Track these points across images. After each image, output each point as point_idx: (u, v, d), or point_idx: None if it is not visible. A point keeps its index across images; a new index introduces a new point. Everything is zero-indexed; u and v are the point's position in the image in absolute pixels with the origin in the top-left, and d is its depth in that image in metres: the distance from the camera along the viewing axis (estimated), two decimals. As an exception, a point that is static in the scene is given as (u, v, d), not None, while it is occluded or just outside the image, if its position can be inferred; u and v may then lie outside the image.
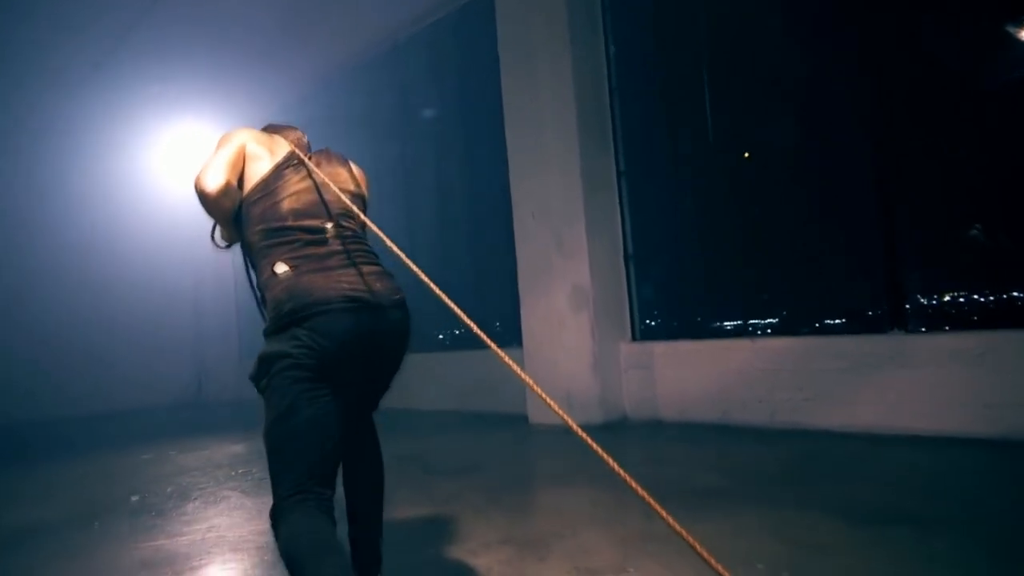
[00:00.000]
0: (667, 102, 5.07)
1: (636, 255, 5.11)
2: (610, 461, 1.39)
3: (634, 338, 5.03)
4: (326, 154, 2.00)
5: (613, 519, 2.65)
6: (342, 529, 1.75)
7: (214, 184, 1.75)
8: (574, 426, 1.46)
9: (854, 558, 2.07)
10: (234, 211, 1.85)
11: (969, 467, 3.02)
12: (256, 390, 1.70)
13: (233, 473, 4.22)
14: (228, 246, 1.97)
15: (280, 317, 1.66)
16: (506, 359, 1.59)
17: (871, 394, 3.75)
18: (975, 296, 3.72)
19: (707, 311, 4.86)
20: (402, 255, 1.73)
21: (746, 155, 4.65)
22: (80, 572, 2.48)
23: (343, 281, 1.71)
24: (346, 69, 8.05)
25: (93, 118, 8.65)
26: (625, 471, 1.28)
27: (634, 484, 1.35)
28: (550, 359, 5.03)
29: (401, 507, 3.01)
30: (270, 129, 2.01)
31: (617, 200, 5.13)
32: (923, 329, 3.74)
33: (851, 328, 3.98)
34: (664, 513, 1.31)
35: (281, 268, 1.71)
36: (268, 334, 1.69)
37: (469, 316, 1.66)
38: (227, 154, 1.81)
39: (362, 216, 1.88)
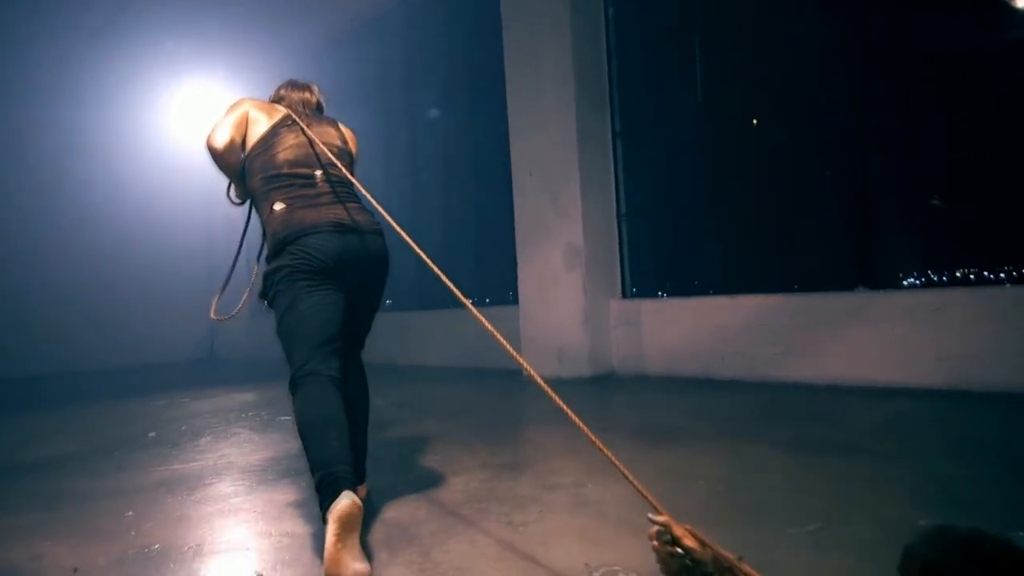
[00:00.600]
0: (663, 65, 5.24)
1: (628, 215, 5.33)
2: (557, 399, 1.64)
3: (624, 296, 5.28)
4: (317, 117, 2.35)
5: (582, 450, 2.91)
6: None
7: (221, 141, 2.14)
8: (529, 369, 1.72)
9: (784, 476, 2.34)
10: (240, 167, 2.21)
11: (915, 414, 3.26)
12: (267, 305, 2.07)
13: (243, 416, 4.53)
14: (242, 202, 2.33)
15: (278, 243, 2.03)
16: (471, 306, 1.91)
17: (838, 348, 3.99)
18: (934, 257, 3.93)
19: (693, 270, 5.09)
20: (380, 209, 2.06)
21: (754, 121, 4.81)
22: (105, 489, 2.79)
23: (330, 213, 2.08)
24: (356, 26, 8.20)
25: (106, 77, 8.86)
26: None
27: (577, 419, 1.61)
28: (544, 315, 5.29)
29: (393, 440, 3.32)
30: (289, 87, 2.40)
31: (611, 161, 5.34)
32: (887, 288, 3.96)
33: (823, 286, 4.20)
34: (600, 445, 1.57)
35: (278, 206, 2.08)
36: (269, 258, 2.07)
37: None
38: (232, 118, 2.19)
39: (344, 170, 2.19)
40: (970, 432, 2.85)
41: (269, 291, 2.07)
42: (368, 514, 2.22)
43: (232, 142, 2.17)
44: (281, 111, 2.27)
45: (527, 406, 4.47)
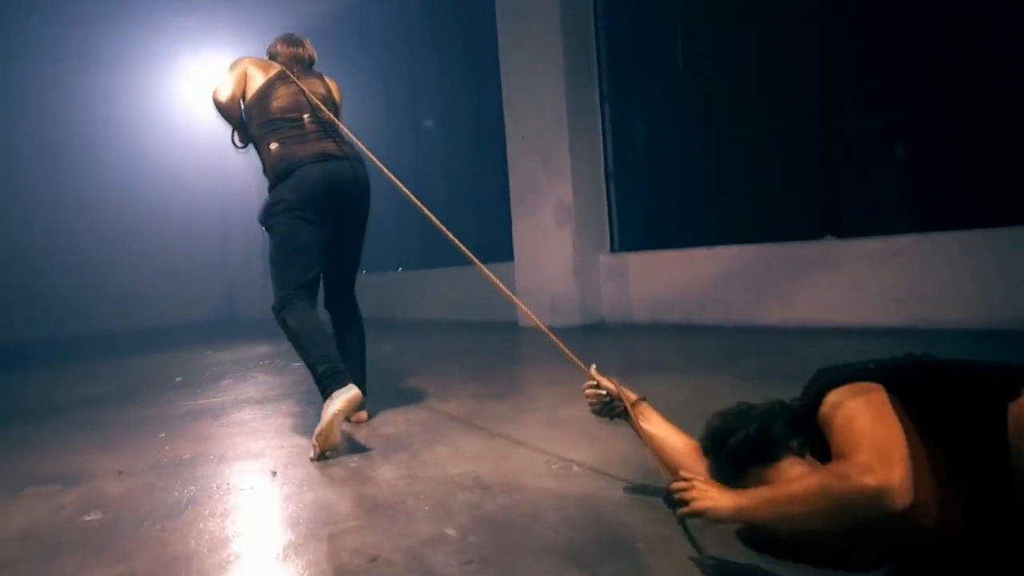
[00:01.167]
0: (648, 31, 5.43)
1: (616, 173, 5.59)
2: (527, 311, 1.97)
3: (612, 250, 5.57)
4: (306, 71, 2.76)
5: (562, 382, 3.24)
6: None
7: (225, 95, 2.58)
8: (510, 295, 2.05)
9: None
10: (240, 117, 2.65)
11: (870, 348, 3.56)
12: (264, 229, 2.52)
13: (260, 363, 4.92)
14: (244, 147, 2.75)
15: (277, 176, 2.47)
16: (468, 252, 2.20)
17: (807, 293, 4.28)
18: (892, 207, 4.19)
19: (676, 224, 5.35)
20: (372, 156, 2.38)
21: (730, 84, 4.99)
22: (141, 418, 3.17)
23: (317, 146, 2.50)
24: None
25: (119, 41, 9.06)
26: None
27: (553, 337, 1.94)
28: (536, 269, 5.61)
29: (394, 378, 3.68)
30: (283, 42, 2.78)
31: (600, 122, 5.57)
32: (851, 236, 4.23)
33: (793, 235, 4.46)
34: (572, 355, 1.89)
35: (274, 145, 2.50)
36: (270, 189, 2.50)
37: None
38: (234, 75, 2.61)
39: (327, 112, 2.61)
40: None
41: (269, 219, 2.50)
42: (367, 432, 2.59)
43: (233, 96, 2.59)
44: (276, 67, 2.66)
45: (519, 351, 4.81)
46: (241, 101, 2.63)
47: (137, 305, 10.24)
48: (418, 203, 2.42)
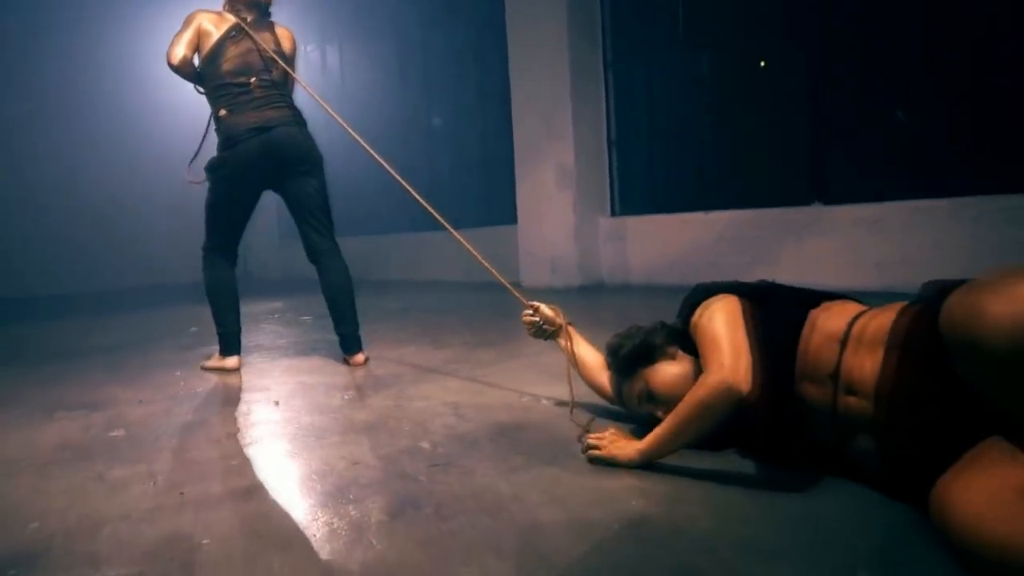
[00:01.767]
0: (651, 1, 5.51)
1: (618, 139, 5.73)
2: (478, 258, 2.16)
3: (612, 213, 5.73)
4: (258, 23, 2.89)
5: (550, 334, 3.47)
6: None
7: (177, 58, 2.74)
8: (474, 253, 2.24)
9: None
10: (195, 72, 2.83)
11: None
12: (207, 178, 2.82)
13: (271, 316, 5.17)
14: (205, 93, 2.92)
15: (221, 142, 2.77)
16: (437, 217, 2.39)
17: (795, 256, 4.44)
18: (877, 174, 4.30)
19: (674, 189, 5.50)
20: (330, 109, 2.60)
21: (762, 63, 5.07)
22: (158, 361, 3.42)
23: (258, 114, 2.72)
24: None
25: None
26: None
27: (494, 272, 2.13)
28: (538, 231, 5.79)
29: (394, 329, 3.90)
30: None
31: (603, 89, 5.70)
32: (838, 203, 4.37)
33: (784, 201, 4.60)
34: (514, 290, 2.10)
35: (223, 112, 2.75)
36: (218, 149, 2.78)
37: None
38: (187, 35, 2.77)
39: (287, 68, 2.87)
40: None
41: (209, 175, 2.80)
42: (363, 373, 2.82)
43: (185, 58, 2.75)
44: (229, 20, 2.82)
45: (515, 308, 4.99)
46: (197, 57, 2.79)
47: (153, 263, 10.45)
48: (386, 165, 2.57)
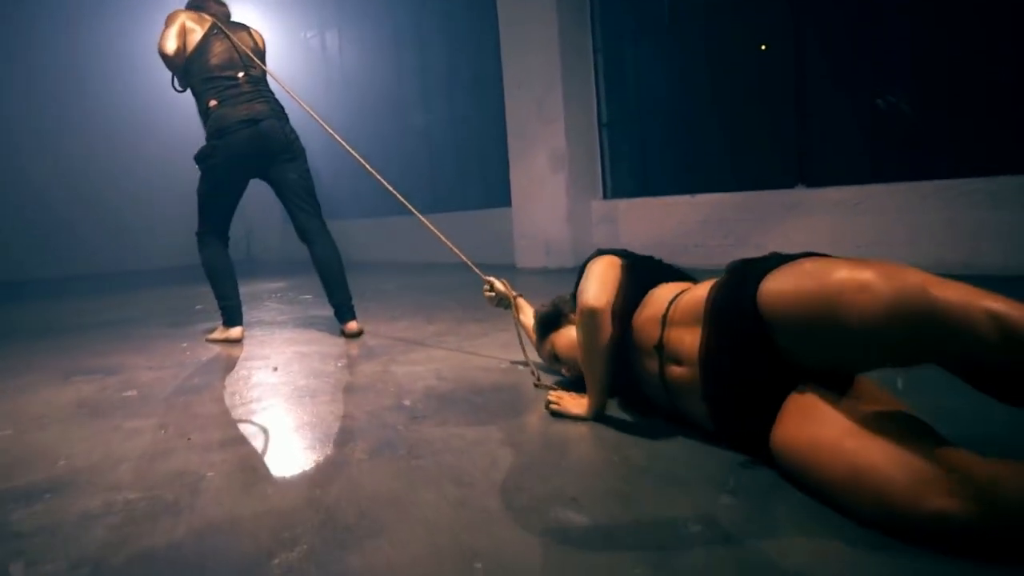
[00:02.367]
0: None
1: (609, 123, 5.87)
2: (444, 240, 2.34)
3: (604, 196, 5.89)
4: (233, 24, 3.14)
5: (536, 310, 3.66)
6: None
7: (171, 48, 2.96)
8: (447, 243, 2.41)
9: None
10: (182, 67, 3.03)
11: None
12: (198, 167, 2.99)
13: (274, 296, 5.37)
14: (183, 91, 3.14)
15: (211, 132, 2.93)
16: (406, 204, 2.57)
17: (778, 238, 4.60)
18: (858, 158, 4.46)
19: (664, 173, 5.65)
20: (303, 104, 2.78)
21: (763, 47, 5.20)
22: (165, 335, 3.62)
23: (247, 107, 2.92)
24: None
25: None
26: None
27: (456, 251, 2.32)
28: (532, 214, 5.96)
29: (390, 307, 4.09)
30: (212, 2, 3.15)
31: (593, 73, 5.83)
32: (820, 186, 4.52)
33: (768, 184, 4.76)
34: (474, 267, 2.29)
35: (212, 102, 2.93)
36: (207, 138, 2.95)
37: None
38: (175, 29, 2.98)
39: (261, 65, 3.08)
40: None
41: (200, 164, 2.98)
42: (358, 344, 3.02)
43: (178, 49, 2.97)
44: (208, 20, 3.05)
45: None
46: (183, 52, 3.00)
47: (158, 245, 10.57)
48: (354, 153, 2.81)
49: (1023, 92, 3.73)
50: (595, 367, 1.56)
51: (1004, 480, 0.89)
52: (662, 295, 1.53)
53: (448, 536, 1.10)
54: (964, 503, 0.90)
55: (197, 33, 2.98)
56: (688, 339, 1.37)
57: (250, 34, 3.17)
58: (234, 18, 3.24)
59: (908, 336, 0.98)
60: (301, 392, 2.14)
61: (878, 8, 4.26)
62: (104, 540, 1.17)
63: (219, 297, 3.22)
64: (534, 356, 2.19)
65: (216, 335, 3.25)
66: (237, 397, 2.14)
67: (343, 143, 2.83)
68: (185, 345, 3.23)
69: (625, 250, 1.72)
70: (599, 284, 1.53)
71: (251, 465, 1.50)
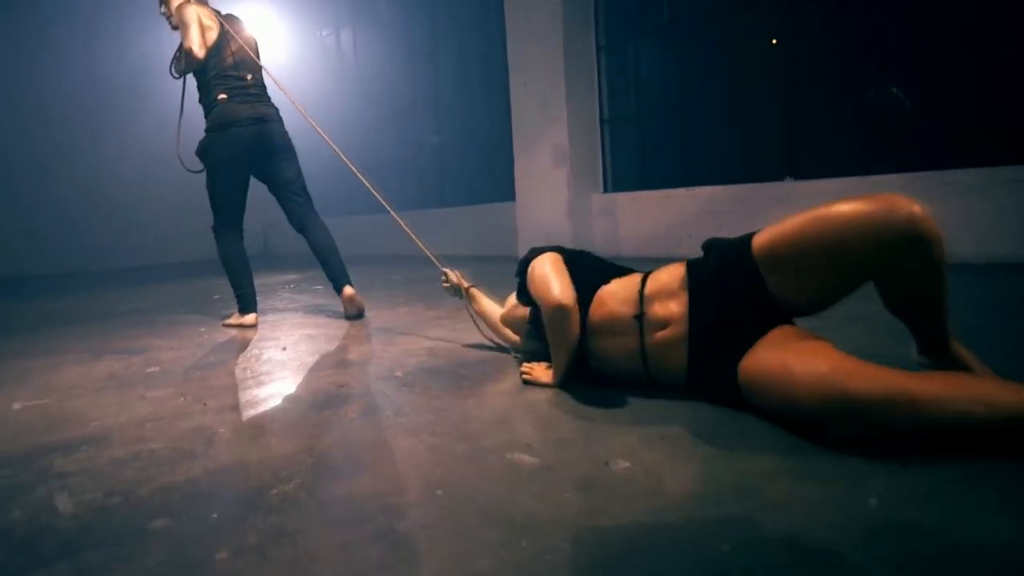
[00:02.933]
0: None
1: (611, 120, 6.05)
2: (413, 236, 2.55)
3: (604, 190, 6.08)
4: (238, 24, 3.37)
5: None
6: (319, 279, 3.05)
7: (203, 52, 3.16)
8: (416, 239, 2.62)
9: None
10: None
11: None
12: (200, 162, 3.24)
13: (287, 287, 5.62)
14: (179, 77, 3.35)
15: (214, 125, 3.15)
16: (383, 202, 2.80)
17: (768, 229, 4.77)
18: (844, 152, 4.61)
19: (661, 167, 5.83)
20: (295, 101, 3.01)
21: (773, 41, 5.35)
22: (184, 320, 3.87)
23: (253, 108, 3.19)
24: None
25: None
26: None
27: (422, 245, 2.53)
28: (534, 207, 6.16)
29: (394, 294, 4.31)
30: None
31: (595, 71, 6.02)
32: (807, 178, 4.68)
33: (758, 177, 4.93)
34: (433, 258, 2.49)
35: (221, 96, 3.16)
36: (208, 131, 3.18)
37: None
38: (197, 28, 3.14)
39: (266, 70, 3.31)
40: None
41: (203, 159, 3.21)
42: (359, 327, 3.24)
43: (207, 51, 3.18)
44: (212, 14, 3.28)
45: (508, 279, 5.40)
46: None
47: (177, 241, 10.79)
48: (338, 151, 3.07)
49: (998, 91, 3.87)
50: (563, 354, 1.76)
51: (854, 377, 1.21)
52: (624, 282, 1.74)
53: (419, 472, 1.32)
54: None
55: (213, 32, 3.22)
56: (673, 304, 1.59)
57: (250, 34, 3.42)
58: (245, 16, 3.50)
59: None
60: (306, 367, 2.37)
61: (867, 4, 4.41)
62: (132, 478, 1.40)
63: (235, 286, 3.47)
64: (491, 336, 2.51)
65: (232, 320, 3.49)
66: (248, 371, 2.37)
67: (328, 140, 3.08)
68: (203, 329, 3.48)
69: (560, 246, 1.92)
70: (562, 281, 1.70)
71: (258, 423, 1.73)
